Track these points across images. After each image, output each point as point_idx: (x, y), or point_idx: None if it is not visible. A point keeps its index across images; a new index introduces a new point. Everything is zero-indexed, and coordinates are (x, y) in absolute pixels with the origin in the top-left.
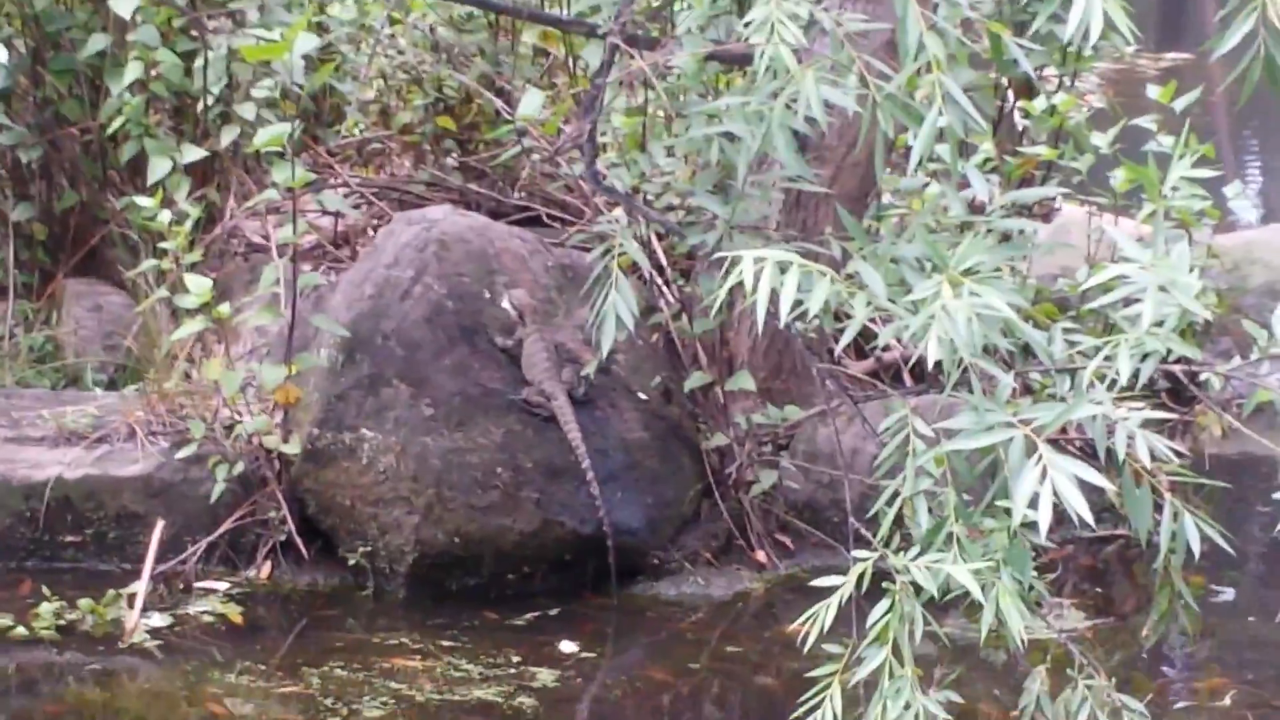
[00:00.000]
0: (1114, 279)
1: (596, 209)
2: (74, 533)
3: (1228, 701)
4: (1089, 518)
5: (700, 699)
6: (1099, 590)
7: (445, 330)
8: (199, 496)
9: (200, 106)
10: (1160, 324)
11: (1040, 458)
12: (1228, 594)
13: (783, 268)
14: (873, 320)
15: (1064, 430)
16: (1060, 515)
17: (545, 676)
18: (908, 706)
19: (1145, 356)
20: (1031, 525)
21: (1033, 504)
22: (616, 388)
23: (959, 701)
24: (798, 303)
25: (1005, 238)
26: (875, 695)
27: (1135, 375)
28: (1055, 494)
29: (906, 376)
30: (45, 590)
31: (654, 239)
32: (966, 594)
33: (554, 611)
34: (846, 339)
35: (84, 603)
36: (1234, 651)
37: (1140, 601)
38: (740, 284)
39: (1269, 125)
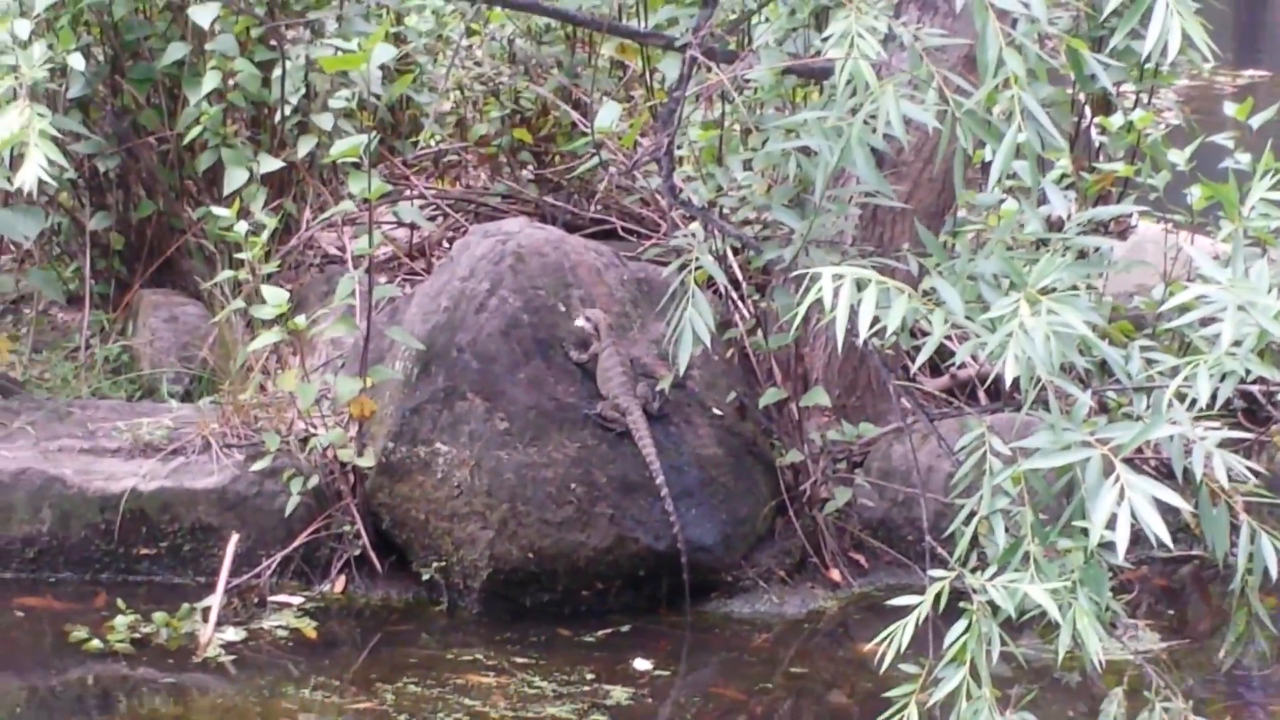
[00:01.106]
0: (1194, 299)
1: (673, 223)
2: (149, 545)
3: None
4: (1167, 539)
5: (773, 718)
6: (1173, 611)
7: (520, 343)
8: (274, 510)
9: (278, 117)
10: (1239, 344)
11: (1118, 478)
12: None
13: (860, 284)
14: (949, 337)
15: (1139, 449)
16: (1136, 535)
17: (619, 694)
18: None
19: (1224, 377)
20: (1108, 546)
21: (1110, 525)
22: (691, 403)
23: None
24: (875, 319)
25: (1082, 255)
26: (952, 716)
27: (1213, 395)
28: (1133, 515)
29: (982, 394)
30: (120, 603)
31: (730, 253)
32: (1040, 615)
33: (628, 628)
34: (924, 356)
35: (158, 616)
36: None
37: (1215, 623)
38: (818, 300)
39: None
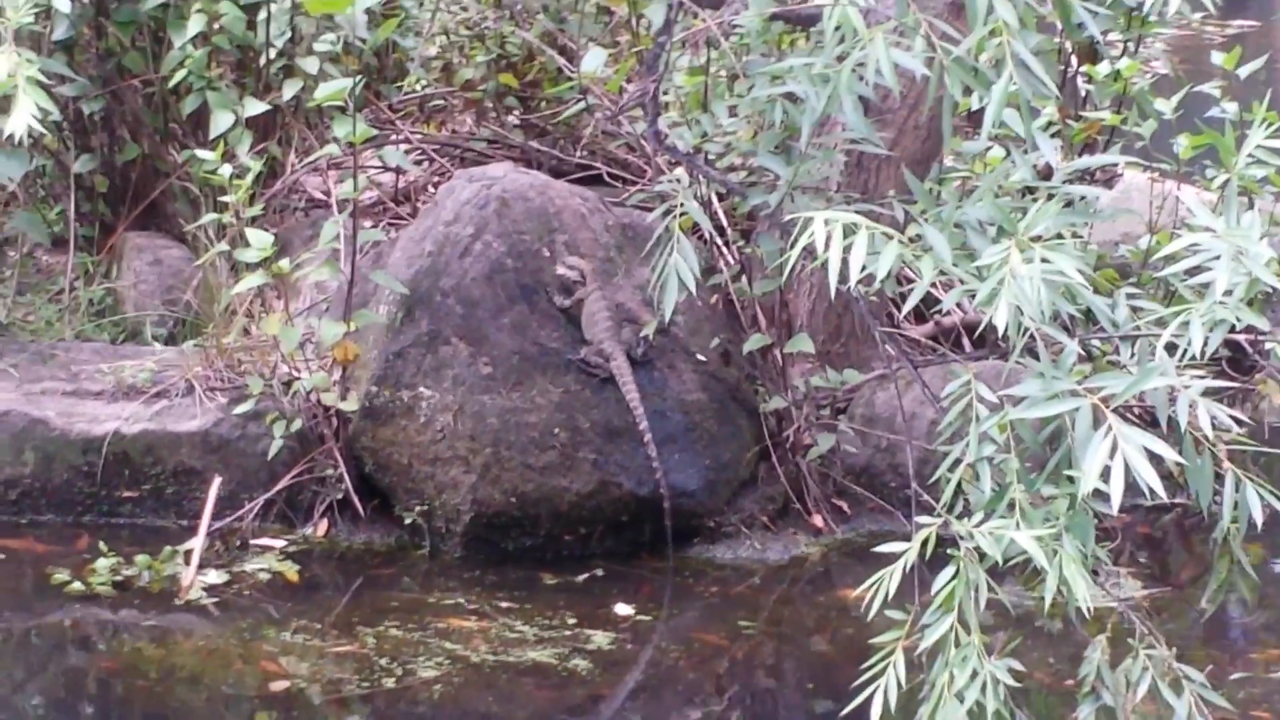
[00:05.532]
0: (1185, 247)
1: (658, 168)
2: (131, 488)
3: None
4: (1160, 490)
5: (754, 663)
6: (1155, 559)
7: (504, 288)
8: (256, 453)
9: (263, 60)
10: (1229, 293)
11: (1110, 429)
12: None
13: (849, 230)
14: (934, 284)
15: None
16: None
17: (600, 639)
18: (974, 674)
19: (1215, 326)
20: (1096, 494)
21: (1103, 476)
22: (675, 349)
23: (1020, 670)
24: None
25: (1068, 203)
26: (939, 662)
27: (1203, 344)
28: (1126, 466)
29: (966, 342)
30: (102, 546)
31: (715, 199)
32: (1022, 563)
33: (609, 573)
34: (911, 302)
35: (141, 559)
36: None
37: (1196, 570)
38: (804, 246)
39: None
